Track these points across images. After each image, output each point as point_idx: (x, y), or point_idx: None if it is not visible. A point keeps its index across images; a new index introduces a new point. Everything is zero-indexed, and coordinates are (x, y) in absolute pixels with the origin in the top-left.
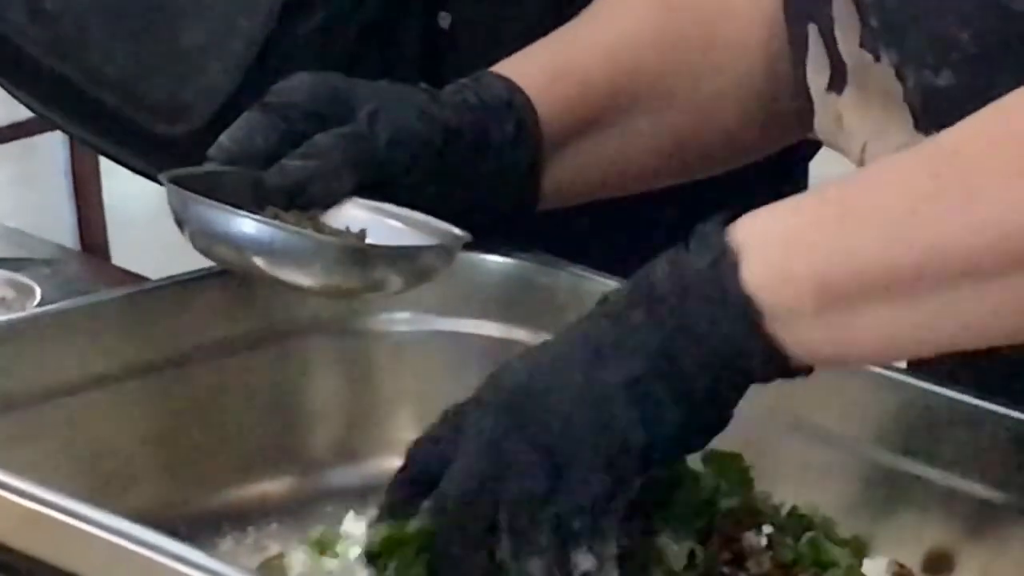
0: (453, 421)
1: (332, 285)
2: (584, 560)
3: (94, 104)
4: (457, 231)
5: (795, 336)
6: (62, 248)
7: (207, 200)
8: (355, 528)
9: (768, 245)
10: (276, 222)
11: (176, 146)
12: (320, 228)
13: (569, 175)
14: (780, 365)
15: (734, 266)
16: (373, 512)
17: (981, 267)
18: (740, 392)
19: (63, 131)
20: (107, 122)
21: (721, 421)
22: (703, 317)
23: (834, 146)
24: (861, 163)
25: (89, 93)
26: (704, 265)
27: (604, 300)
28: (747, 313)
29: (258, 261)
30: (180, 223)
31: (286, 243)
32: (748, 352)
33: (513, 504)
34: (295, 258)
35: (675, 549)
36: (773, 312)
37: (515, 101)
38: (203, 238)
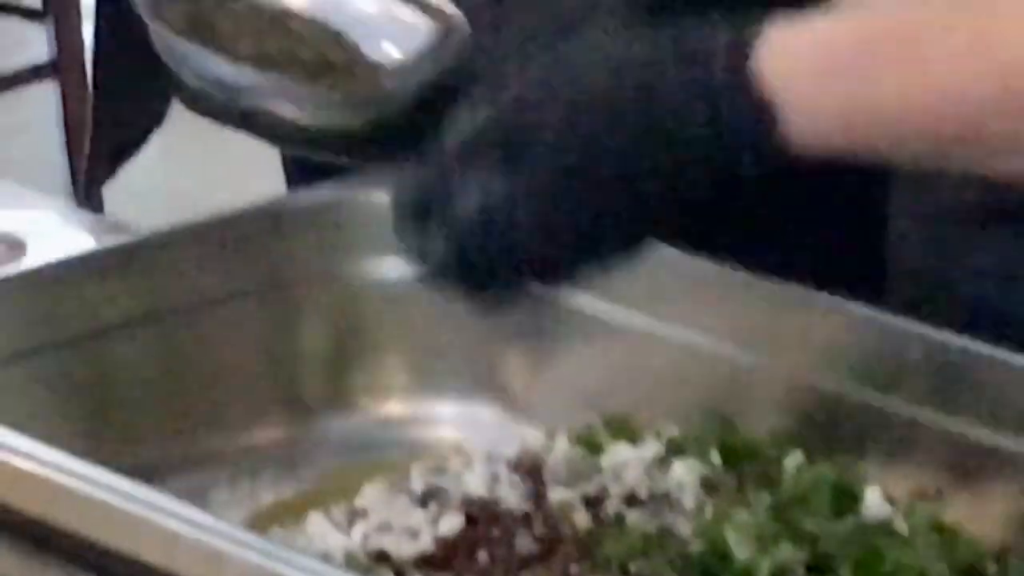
0: None
1: (321, 123)
2: None
3: None
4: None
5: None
6: (54, 201)
7: (191, 45)
8: (319, 527)
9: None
10: (257, 72)
11: None
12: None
13: None
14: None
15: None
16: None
17: None
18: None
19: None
20: None
21: None
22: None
23: None
24: None
25: None
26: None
27: None
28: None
29: (249, 102)
30: (169, 64)
31: (275, 87)
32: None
33: None
34: (284, 100)
35: None
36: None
37: None
38: (194, 80)
